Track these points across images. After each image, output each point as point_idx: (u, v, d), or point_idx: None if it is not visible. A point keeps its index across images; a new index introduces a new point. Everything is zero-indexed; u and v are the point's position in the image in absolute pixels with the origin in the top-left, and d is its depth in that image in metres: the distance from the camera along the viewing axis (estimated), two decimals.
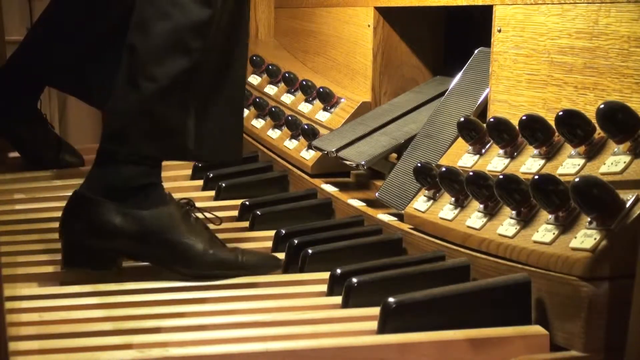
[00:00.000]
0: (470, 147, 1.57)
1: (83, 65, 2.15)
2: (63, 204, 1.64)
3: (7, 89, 2.21)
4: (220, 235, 1.78)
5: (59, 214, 1.85)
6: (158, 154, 1.55)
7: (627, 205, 1.19)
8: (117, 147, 1.51)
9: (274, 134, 2.28)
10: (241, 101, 1.68)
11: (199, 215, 1.60)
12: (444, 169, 1.53)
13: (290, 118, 2.21)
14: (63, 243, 1.53)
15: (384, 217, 1.73)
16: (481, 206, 1.45)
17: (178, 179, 2.18)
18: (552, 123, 1.37)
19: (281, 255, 1.65)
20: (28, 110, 2.25)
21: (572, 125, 1.32)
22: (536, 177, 1.28)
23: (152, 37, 1.49)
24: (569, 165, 1.34)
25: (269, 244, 1.72)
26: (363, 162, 1.81)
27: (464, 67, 1.78)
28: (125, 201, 1.49)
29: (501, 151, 1.49)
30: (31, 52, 2.21)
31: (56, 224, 1.84)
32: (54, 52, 2.17)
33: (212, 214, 1.65)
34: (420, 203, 1.61)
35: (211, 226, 1.63)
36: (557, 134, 1.38)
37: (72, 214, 1.52)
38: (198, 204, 1.86)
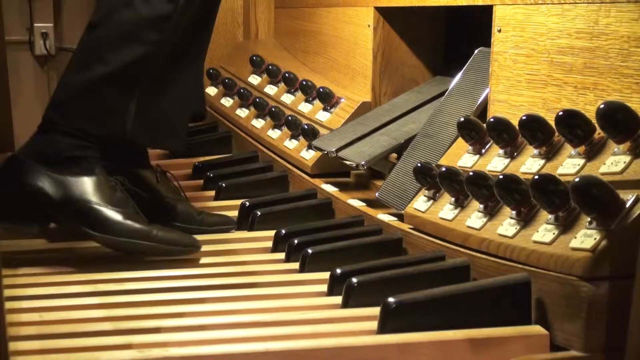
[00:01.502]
0: (470, 147, 1.57)
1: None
2: None
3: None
4: (219, 235, 1.79)
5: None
6: (95, 132, 1.62)
7: (627, 205, 1.19)
8: (58, 118, 1.60)
9: (274, 134, 2.28)
10: (189, 100, 1.75)
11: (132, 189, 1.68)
12: (444, 169, 1.53)
13: (290, 118, 2.21)
14: None
15: (384, 217, 1.73)
16: (481, 206, 1.45)
17: (178, 178, 2.18)
18: (552, 123, 1.37)
19: (281, 256, 1.65)
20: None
21: (572, 125, 1.32)
22: (536, 177, 1.28)
23: (113, 23, 1.59)
24: (569, 165, 1.34)
25: (269, 244, 1.72)
26: (363, 162, 1.81)
27: (464, 67, 1.78)
28: (54, 167, 1.57)
29: (501, 151, 1.49)
30: None
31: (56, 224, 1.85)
32: None
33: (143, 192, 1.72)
34: (420, 203, 1.61)
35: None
36: (557, 134, 1.38)
37: (5, 174, 1.60)
38: (198, 204, 1.88)
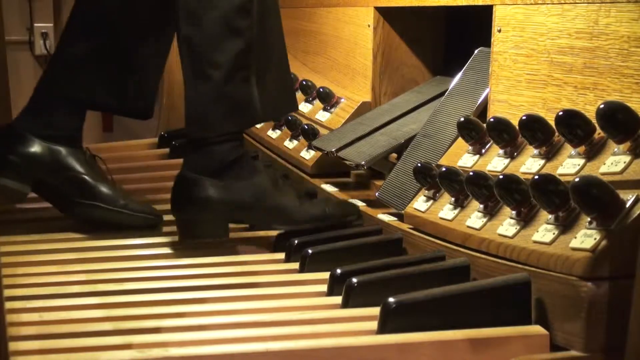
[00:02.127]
0: (470, 147, 1.57)
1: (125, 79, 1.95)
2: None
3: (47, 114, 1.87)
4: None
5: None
6: (237, 129, 1.72)
7: (627, 205, 1.19)
8: (202, 132, 1.68)
9: (274, 134, 2.28)
10: (287, 61, 1.84)
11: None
12: (444, 169, 1.53)
13: (290, 118, 2.21)
14: (178, 221, 1.71)
15: (384, 217, 1.73)
16: (481, 206, 1.45)
17: None
18: (552, 123, 1.37)
19: (281, 256, 1.65)
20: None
21: (572, 125, 1.32)
22: (536, 177, 1.28)
23: (205, 27, 1.64)
24: (569, 165, 1.34)
25: (269, 244, 1.72)
26: (363, 162, 1.81)
27: (464, 67, 1.78)
28: (222, 176, 1.67)
29: (501, 151, 1.49)
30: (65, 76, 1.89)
31: (57, 224, 1.85)
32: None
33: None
34: (420, 203, 1.61)
35: None
36: (557, 134, 1.38)
37: (179, 194, 1.68)
38: None
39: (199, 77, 1.66)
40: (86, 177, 1.83)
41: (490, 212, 1.43)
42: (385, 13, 2.09)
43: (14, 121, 1.89)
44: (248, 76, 1.69)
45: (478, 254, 1.40)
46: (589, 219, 1.22)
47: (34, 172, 1.81)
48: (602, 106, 1.25)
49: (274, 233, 1.75)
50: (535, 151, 1.42)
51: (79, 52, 1.87)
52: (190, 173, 1.67)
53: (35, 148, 1.81)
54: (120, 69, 1.90)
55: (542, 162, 1.40)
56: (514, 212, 1.36)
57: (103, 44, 1.88)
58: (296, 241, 1.63)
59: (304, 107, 2.25)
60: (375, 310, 1.27)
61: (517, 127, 1.45)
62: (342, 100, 2.16)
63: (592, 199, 1.19)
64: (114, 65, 1.90)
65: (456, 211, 1.50)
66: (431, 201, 1.59)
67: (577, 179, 1.20)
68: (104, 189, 1.83)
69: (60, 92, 1.86)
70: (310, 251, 1.57)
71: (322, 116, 2.17)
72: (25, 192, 1.81)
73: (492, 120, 1.50)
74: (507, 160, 1.47)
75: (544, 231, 1.28)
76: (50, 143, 1.82)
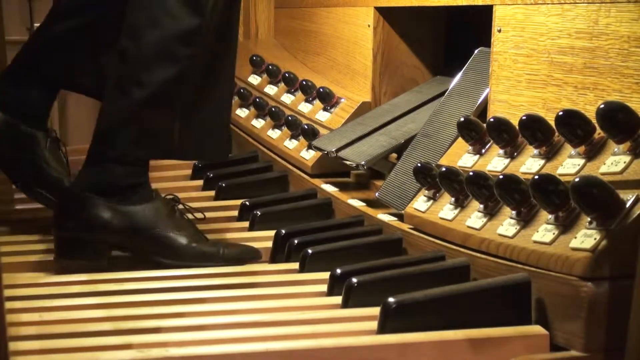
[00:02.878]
0: (470, 147, 1.57)
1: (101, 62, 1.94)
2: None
3: (16, 96, 1.90)
4: (221, 235, 1.79)
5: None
6: (145, 156, 1.63)
7: (627, 205, 1.19)
8: (107, 148, 1.59)
9: (274, 134, 2.28)
10: (228, 104, 1.75)
11: (184, 209, 1.71)
12: (444, 169, 1.53)
13: (290, 118, 2.21)
14: (56, 237, 1.60)
15: (384, 217, 1.73)
16: (481, 206, 1.45)
17: (178, 178, 2.19)
18: (552, 123, 1.37)
19: (281, 256, 1.65)
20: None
21: (572, 125, 1.32)
22: (536, 177, 1.28)
23: (143, 45, 1.57)
24: (569, 165, 1.34)
25: (269, 244, 1.72)
26: (363, 162, 1.81)
27: (464, 67, 1.78)
28: (114, 197, 1.59)
29: (501, 151, 1.49)
30: (44, 53, 1.91)
31: None
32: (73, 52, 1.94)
33: (194, 211, 1.74)
34: (420, 203, 1.61)
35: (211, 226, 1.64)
36: (557, 134, 1.38)
37: (64, 209, 1.60)
38: (198, 204, 1.88)
39: (120, 91, 1.58)
40: (42, 162, 1.81)
41: (490, 212, 1.43)
42: (385, 13, 2.09)
43: None
44: (173, 107, 1.61)
45: (478, 254, 1.40)
46: (589, 219, 1.22)
47: None
48: (602, 106, 1.25)
49: (273, 233, 1.75)
50: (535, 151, 1.42)
51: (59, 31, 1.84)
52: (80, 189, 1.59)
53: None
54: (99, 50, 1.86)
55: (542, 162, 1.40)
56: (514, 212, 1.36)
57: (83, 24, 1.84)
58: (296, 241, 1.63)
59: (304, 107, 2.25)
60: (375, 310, 1.27)
61: (517, 127, 1.45)
62: (342, 100, 2.16)
63: (592, 199, 1.19)
64: (93, 45, 1.86)
65: (456, 211, 1.50)
66: (431, 201, 1.59)
67: (577, 179, 1.20)
68: (54, 174, 1.81)
69: (37, 69, 1.84)
70: (310, 251, 1.57)
71: (322, 116, 2.17)
72: None
73: (492, 120, 1.50)
74: (507, 160, 1.47)
75: (544, 231, 1.28)
76: (13, 117, 1.79)
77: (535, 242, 1.29)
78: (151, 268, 1.60)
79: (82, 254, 1.60)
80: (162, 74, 1.57)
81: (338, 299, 1.39)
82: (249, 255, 1.67)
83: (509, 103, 1.60)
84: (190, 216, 1.71)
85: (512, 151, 1.48)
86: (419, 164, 1.61)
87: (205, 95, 1.66)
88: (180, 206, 1.70)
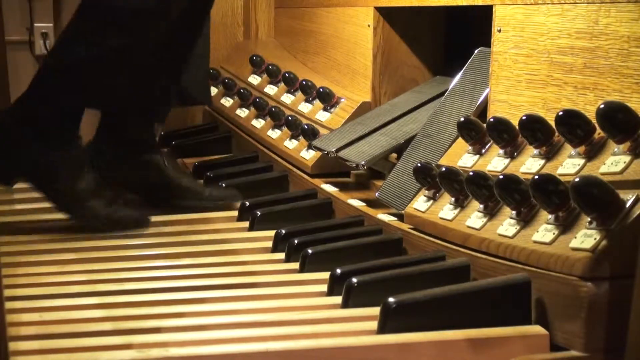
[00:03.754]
0: (470, 147, 1.57)
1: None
2: None
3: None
4: (219, 235, 1.79)
5: (59, 213, 1.87)
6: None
7: (627, 205, 1.19)
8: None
9: (274, 134, 2.28)
10: (207, 53, 2.03)
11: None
12: (444, 169, 1.53)
13: (290, 118, 2.21)
14: None
15: (384, 217, 1.73)
16: (481, 206, 1.45)
17: None
18: (552, 123, 1.37)
19: (281, 256, 1.65)
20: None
21: (572, 125, 1.32)
22: (536, 177, 1.28)
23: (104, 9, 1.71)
24: (569, 165, 1.34)
25: (269, 244, 1.72)
26: (363, 162, 1.81)
27: (464, 67, 1.78)
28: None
29: (501, 151, 1.49)
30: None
31: (57, 224, 1.85)
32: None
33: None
34: (420, 203, 1.61)
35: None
36: (557, 134, 1.38)
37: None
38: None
39: (69, 44, 1.73)
40: None
41: (490, 212, 1.43)
42: (385, 13, 2.09)
43: None
44: (119, 71, 1.76)
45: (478, 254, 1.40)
46: (589, 219, 1.22)
47: None
48: (602, 106, 1.25)
49: (273, 233, 1.75)
50: (535, 151, 1.42)
51: None
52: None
53: None
54: None
55: (542, 162, 1.40)
56: (514, 212, 1.36)
57: None
58: (296, 241, 1.63)
59: (304, 107, 2.25)
60: (375, 310, 1.27)
61: (517, 127, 1.45)
62: (342, 100, 2.16)
63: (592, 199, 1.19)
64: None
65: (456, 211, 1.50)
66: (431, 201, 1.59)
67: (577, 179, 1.20)
68: None
69: None
70: (310, 251, 1.57)
71: (322, 116, 2.17)
72: None
73: (492, 120, 1.50)
74: (507, 160, 1.47)
75: (544, 231, 1.28)
76: None
77: (535, 242, 1.29)
78: (152, 268, 1.60)
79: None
80: (113, 42, 1.71)
81: (338, 299, 1.39)
82: (139, 222, 1.83)
83: (509, 103, 1.60)
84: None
85: (512, 151, 1.48)
86: (419, 164, 1.61)
87: (187, 49, 1.86)
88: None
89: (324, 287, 1.45)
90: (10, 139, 1.74)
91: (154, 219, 1.87)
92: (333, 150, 1.90)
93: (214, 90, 2.65)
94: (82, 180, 1.78)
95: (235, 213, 1.93)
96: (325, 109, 2.19)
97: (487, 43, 1.67)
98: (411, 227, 1.62)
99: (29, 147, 1.73)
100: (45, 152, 1.74)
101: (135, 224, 1.82)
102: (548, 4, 1.50)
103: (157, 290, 1.47)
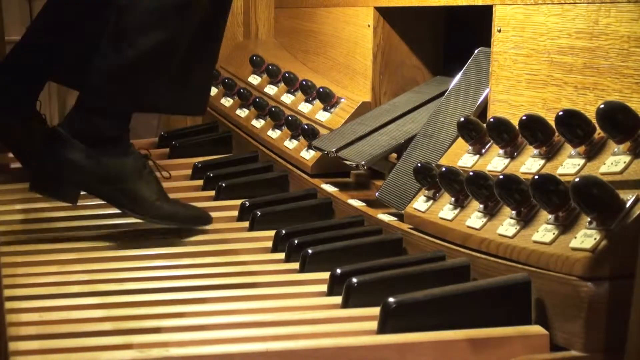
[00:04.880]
0: (470, 147, 1.57)
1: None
2: (63, 204, 1.67)
3: (6, 87, 2.15)
4: (219, 236, 1.79)
5: (59, 214, 1.87)
6: (130, 110, 1.77)
7: (627, 205, 1.19)
8: (95, 100, 1.71)
9: (274, 134, 2.28)
10: (214, 62, 1.93)
11: (154, 166, 1.87)
12: (444, 169, 1.53)
13: (290, 118, 2.21)
14: (35, 170, 1.75)
15: (384, 217, 1.73)
16: (481, 206, 1.45)
17: (178, 178, 2.18)
18: (552, 123, 1.37)
19: (281, 256, 1.65)
20: (26, 109, 2.20)
21: (572, 125, 1.32)
22: (536, 177, 1.28)
23: (140, 8, 1.68)
24: (569, 165, 1.34)
25: (269, 244, 1.72)
26: (363, 162, 1.81)
27: (464, 67, 1.78)
28: (94, 146, 1.70)
29: (501, 151, 1.49)
30: (36, 48, 2.14)
31: (57, 224, 1.85)
32: (61, 48, 2.13)
33: (162, 170, 1.92)
34: (420, 203, 1.61)
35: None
36: (557, 134, 1.38)
37: (49, 147, 1.71)
38: (198, 204, 1.89)
39: (113, 48, 1.69)
40: None
41: (490, 212, 1.43)
42: (385, 13, 2.09)
43: None
44: (159, 68, 1.74)
45: (478, 254, 1.40)
46: (589, 219, 1.22)
47: None
48: (602, 106, 1.25)
49: (273, 233, 1.75)
50: (535, 151, 1.42)
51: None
52: (66, 131, 1.70)
53: None
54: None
55: (542, 162, 1.40)
56: (514, 212, 1.36)
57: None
58: (296, 241, 1.63)
59: (304, 107, 2.25)
60: (375, 310, 1.27)
61: (517, 127, 1.45)
62: (342, 100, 2.16)
63: (592, 199, 1.19)
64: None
65: (456, 211, 1.50)
66: (431, 201, 1.59)
67: (577, 179, 1.20)
68: None
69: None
70: (310, 251, 1.57)
71: (322, 116, 2.17)
72: None
73: (492, 120, 1.50)
74: (507, 160, 1.47)
75: (544, 231, 1.28)
76: None
77: (535, 242, 1.29)
78: (151, 268, 1.60)
79: (54, 191, 1.72)
80: (154, 39, 1.69)
81: (338, 299, 1.39)
82: (201, 219, 1.82)
83: (509, 103, 1.60)
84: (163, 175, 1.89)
85: (512, 151, 1.48)
86: (419, 164, 1.61)
87: (195, 55, 1.80)
88: (151, 163, 1.83)
89: (324, 287, 1.45)
90: (74, 154, 1.70)
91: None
92: (333, 150, 1.90)
93: (214, 90, 2.65)
94: (149, 181, 1.78)
95: (235, 213, 1.93)
96: (325, 109, 2.19)
97: (487, 43, 1.67)
98: (411, 227, 1.62)
99: (95, 158, 1.70)
100: (113, 159, 1.72)
101: (207, 220, 1.84)
102: (548, 4, 1.50)
103: (157, 290, 1.47)
